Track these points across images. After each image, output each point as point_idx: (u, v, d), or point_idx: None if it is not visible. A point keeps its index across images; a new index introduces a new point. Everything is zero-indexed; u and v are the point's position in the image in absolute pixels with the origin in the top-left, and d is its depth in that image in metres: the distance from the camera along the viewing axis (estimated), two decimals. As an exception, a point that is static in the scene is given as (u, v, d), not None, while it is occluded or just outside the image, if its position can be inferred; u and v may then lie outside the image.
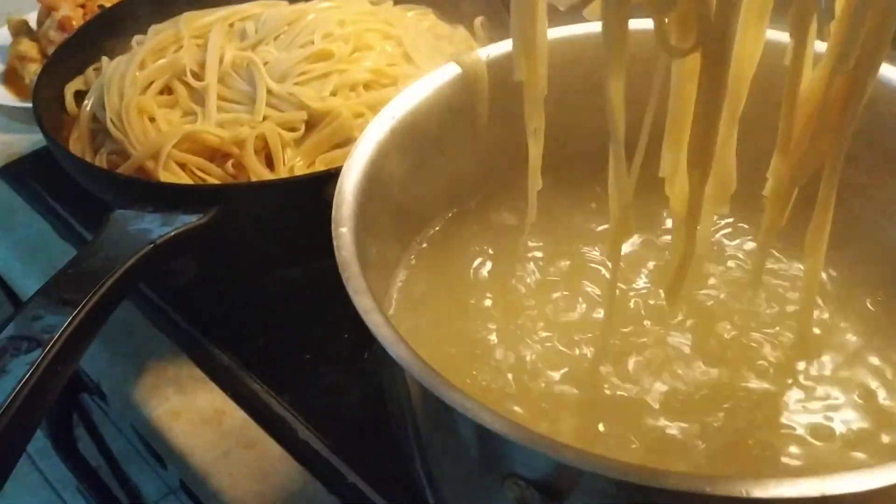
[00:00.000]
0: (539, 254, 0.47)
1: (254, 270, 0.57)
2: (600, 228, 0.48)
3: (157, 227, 0.46)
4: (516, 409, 0.38)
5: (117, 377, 0.53)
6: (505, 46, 0.47)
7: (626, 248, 0.44)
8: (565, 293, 0.44)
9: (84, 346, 0.42)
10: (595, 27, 0.35)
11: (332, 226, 0.36)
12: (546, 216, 0.46)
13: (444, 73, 0.45)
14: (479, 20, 0.66)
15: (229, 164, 0.54)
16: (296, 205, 0.48)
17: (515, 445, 0.28)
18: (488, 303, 0.45)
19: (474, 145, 0.48)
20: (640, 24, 0.43)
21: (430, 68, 0.59)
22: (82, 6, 0.77)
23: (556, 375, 0.39)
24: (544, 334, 0.42)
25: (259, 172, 0.52)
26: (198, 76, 0.58)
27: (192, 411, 0.50)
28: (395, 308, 0.44)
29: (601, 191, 0.47)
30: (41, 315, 0.40)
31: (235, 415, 0.49)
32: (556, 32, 0.46)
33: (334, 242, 0.35)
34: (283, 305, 0.55)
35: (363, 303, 0.33)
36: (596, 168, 0.42)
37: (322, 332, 0.52)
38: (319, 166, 0.53)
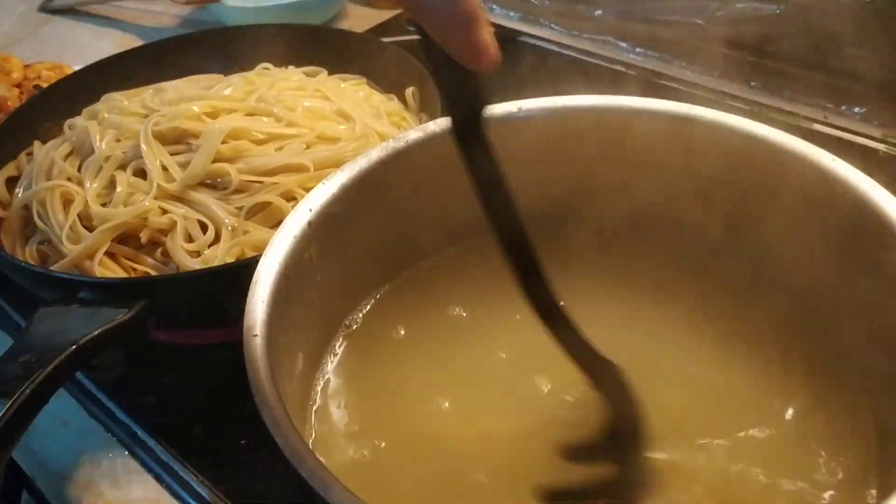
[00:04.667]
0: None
1: (188, 353, 0.57)
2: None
3: (81, 326, 0.46)
4: None
5: (51, 472, 0.52)
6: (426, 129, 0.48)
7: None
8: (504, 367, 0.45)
9: (6, 452, 0.41)
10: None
11: (244, 331, 0.36)
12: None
13: (361, 162, 0.46)
14: (409, 90, 0.67)
15: (158, 252, 0.54)
16: (223, 292, 0.49)
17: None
18: (421, 388, 0.45)
19: (396, 224, 0.49)
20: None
21: (371, 125, 0.61)
22: (18, 86, 0.77)
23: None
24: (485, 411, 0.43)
25: (184, 260, 0.53)
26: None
27: (127, 506, 0.49)
28: (321, 397, 0.44)
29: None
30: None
31: (171, 507, 0.49)
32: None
33: (245, 351, 0.35)
34: (219, 388, 0.55)
35: (271, 415, 0.33)
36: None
37: (257, 418, 0.52)
38: (249, 252, 0.53)
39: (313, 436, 0.42)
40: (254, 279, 0.39)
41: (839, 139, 0.72)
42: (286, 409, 0.33)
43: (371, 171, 0.46)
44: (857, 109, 0.74)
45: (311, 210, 0.43)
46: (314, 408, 0.43)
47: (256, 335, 0.36)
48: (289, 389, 0.39)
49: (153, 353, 0.57)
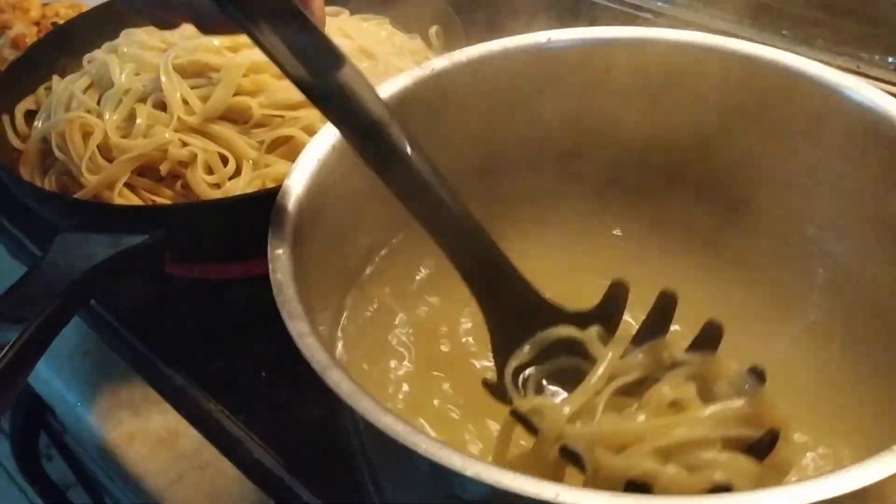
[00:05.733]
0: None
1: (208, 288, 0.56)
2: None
3: (101, 250, 0.45)
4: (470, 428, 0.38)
5: (71, 401, 0.52)
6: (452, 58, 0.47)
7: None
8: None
9: (20, 378, 0.41)
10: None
11: (269, 248, 0.36)
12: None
13: (392, 85, 0.45)
14: (433, 29, 0.66)
15: (178, 184, 0.53)
16: (242, 223, 0.48)
17: (447, 470, 0.27)
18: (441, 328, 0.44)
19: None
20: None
21: (394, 63, 0.59)
22: (37, 24, 0.76)
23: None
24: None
25: (205, 192, 0.52)
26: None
27: (146, 434, 0.49)
28: (344, 333, 0.43)
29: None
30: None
31: (190, 436, 0.49)
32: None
33: (269, 265, 0.35)
34: (238, 322, 0.55)
35: (297, 327, 0.32)
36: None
37: (278, 349, 0.52)
38: (270, 184, 0.53)
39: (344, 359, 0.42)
40: (280, 195, 0.38)
41: (873, 89, 0.70)
42: (312, 323, 0.32)
43: (395, 99, 0.45)
44: (891, 59, 0.72)
45: (335, 134, 0.42)
46: (342, 333, 0.43)
47: (282, 251, 0.35)
48: (316, 314, 0.38)
49: (174, 288, 0.56)
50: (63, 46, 0.67)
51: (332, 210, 0.42)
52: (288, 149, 0.55)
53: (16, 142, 0.60)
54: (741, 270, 0.45)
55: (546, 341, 0.37)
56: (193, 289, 0.57)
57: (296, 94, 0.56)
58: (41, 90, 0.64)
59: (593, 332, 0.36)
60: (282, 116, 0.56)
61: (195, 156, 0.54)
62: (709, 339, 0.34)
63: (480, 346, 0.42)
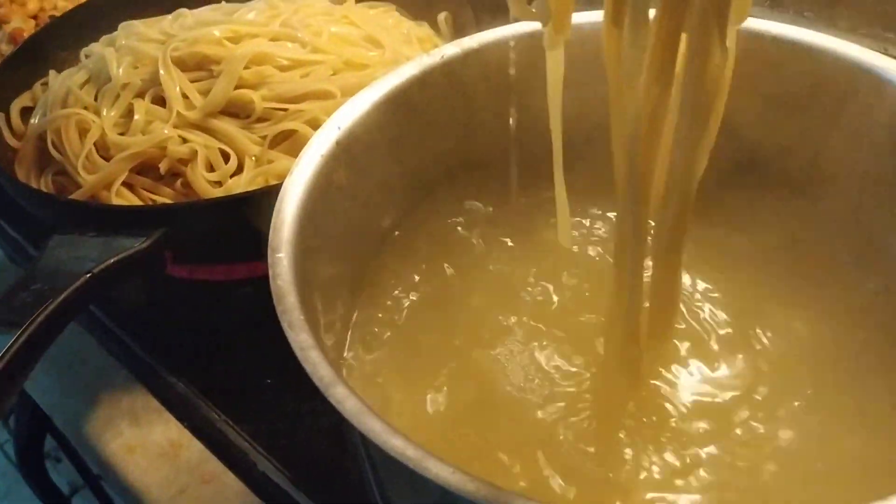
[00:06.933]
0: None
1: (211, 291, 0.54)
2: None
3: (96, 254, 0.43)
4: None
5: (70, 410, 0.50)
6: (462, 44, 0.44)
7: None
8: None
9: (15, 386, 0.39)
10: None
11: (269, 251, 0.33)
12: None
13: (392, 79, 0.43)
14: (442, 16, 0.64)
15: (178, 183, 0.51)
16: (244, 222, 0.46)
17: (459, 498, 0.25)
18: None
19: (431, 152, 0.45)
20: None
21: (402, 51, 0.57)
22: (34, 17, 0.74)
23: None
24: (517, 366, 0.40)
25: (206, 190, 0.50)
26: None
27: (148, 445, 0.47)
28: (353, 333, 0.41)
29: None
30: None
31: (192, 447, 0.47)
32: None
33: (270, 271, 0.32)
34: (243, 328, 0.52)
35: (299, 339, 0.30)
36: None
37: (284, 356, 0.49)
38: (273, 182, 0.50)
39: (343, 373, 0.39)
40: (280, 196, 0.35)
41: (903, 73, 0.67)
42: (314, 334, 0.30)
43: (403, 88, 0.42)
44: (921, 39, 0.68)
45: (339, 128, 0.40)
46: (346, 344, 0.40)
47: (282, 255, 0.33)
48: (321, 321, 0.36)
49: (176, 291, 0.54)
50: (60, 40, 0.65)
51: (338, 209, 0.39)
52: (291, 143, 0.52)
53: (12, 140, 0.58)
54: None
55: None
56: (196, 291, 0.55)
57: (299, 87, 0.54)
58: (38, 86, 0.62)
59: None
60: (285, 110, 0.53)
61: (195, 152, 0.52)
62: None
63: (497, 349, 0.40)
